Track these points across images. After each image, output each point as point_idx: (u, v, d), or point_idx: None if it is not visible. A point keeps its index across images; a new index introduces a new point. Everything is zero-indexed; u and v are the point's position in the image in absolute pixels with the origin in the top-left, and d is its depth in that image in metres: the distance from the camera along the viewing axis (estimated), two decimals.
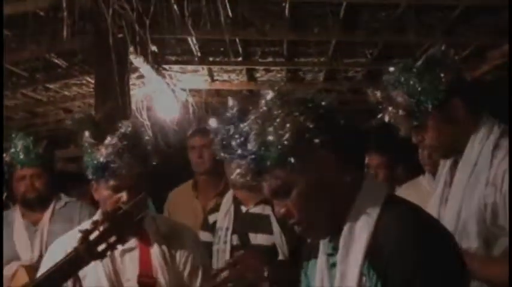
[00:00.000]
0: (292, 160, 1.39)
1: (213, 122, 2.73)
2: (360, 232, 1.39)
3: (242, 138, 1.48)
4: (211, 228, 2.82)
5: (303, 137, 1.40)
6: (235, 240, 2.72)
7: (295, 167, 1.40)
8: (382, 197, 1.43)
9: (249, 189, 2.74)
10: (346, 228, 1.42)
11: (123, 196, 2.14)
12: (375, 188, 1.49)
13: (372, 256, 1.35)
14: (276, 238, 2.63)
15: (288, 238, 2.63)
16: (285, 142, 1.38)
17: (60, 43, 4.38)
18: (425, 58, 2.06)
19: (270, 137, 1.39)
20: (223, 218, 2.79)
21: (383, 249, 1.33)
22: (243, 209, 2.78)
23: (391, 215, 1.38)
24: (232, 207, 2.80)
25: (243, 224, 2.74)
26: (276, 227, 2.67)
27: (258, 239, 2.68)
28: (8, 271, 2.99)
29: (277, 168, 1.42)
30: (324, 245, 1.55)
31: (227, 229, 2.75)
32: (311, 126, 1.40)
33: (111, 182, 2.16)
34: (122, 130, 2.22)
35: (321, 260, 1.54)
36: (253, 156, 1.43)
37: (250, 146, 1.42)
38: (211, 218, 2.87)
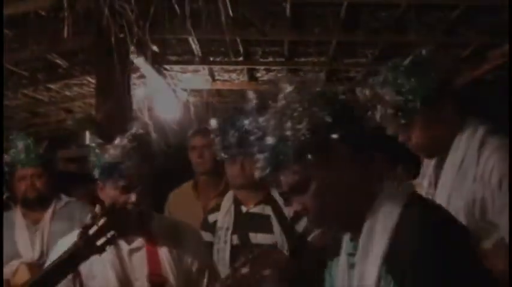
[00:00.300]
0: (310, 155, 1.36)
1: (213, 122, 2.74)
2: (379, 233, 1.35)
3: (260, 132, 1.43)
4: (212, 228, 2.83)
5: (321, 132, 1.36)
6: (236, 240, 2.73)
7: (313, 163, 1.36)
8: (405, 197, 1.38)
9: (249, 189, 2.75)
10: (365, 228, 1.38)
11: (132, 196, 2.14)
12: (397, 187, 1.44)
13: (391, 258, 1.31)
14: (276, 237, 2.64)
15: (288, 238, 2.63)
16: (302, 137, 1.35)
17: (61, 43, 4.39)
18: (414, 57, 2.08)
19: (288, 132, 1.35)
20: (224, 218, 2.79)
21: (402, 252, 1.29)
22: (243, 209, 2.79)
23: (413, 216, 1.33)
24: (232, 207, 2.81)
25: (243, 224, 2.75)
26: (276, 226, 2.68)
27: (258, 238, 2.69)
28: (9, 268, 3.00)
29: (295, 163, 1.38)
30: (346, 245, 1.51)
31: (227, 228, 2.75)
32: (330, 121, 1.36)
33: (120, 183, 2.14)
34: (132, 131, 2.22)
35: (343, 260, 1.51)
36: (270, 150, 1.39)
37: (268, 140, 1.39)
38: (211, 218, 2.88)
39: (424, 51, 2.09)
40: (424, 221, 1.31)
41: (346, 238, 1.51)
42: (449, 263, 1.25)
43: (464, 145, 2.06)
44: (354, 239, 1.44)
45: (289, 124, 1.36)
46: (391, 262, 1.31)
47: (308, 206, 1.42)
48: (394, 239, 1.32)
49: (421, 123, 2.08)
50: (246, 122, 2.45)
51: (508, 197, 1.92)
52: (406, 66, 2.06)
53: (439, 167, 2.17)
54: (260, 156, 1.42)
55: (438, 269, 1.24)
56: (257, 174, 1.44)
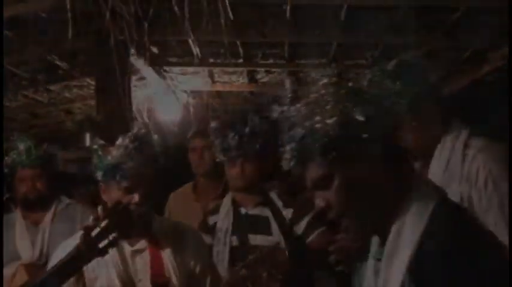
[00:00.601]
0: (336, 151, 1.30)
1: (213, 124, 2.74)
2: (407, 238, 1.29)
3: (290, 122, 1.40)
4: (211, 230, 2.83)
5: (351, 129, 1.31)
6: (235, 241, 2.73)
7: (338, 159, 1.31)
8: (434, 200, 1.32)
9: (248, 191, 2.75)
10: (392, 232, 1.32)
11: (135, 197, 2.14)
12: (427, 191, 1.36)
13: (416, 266, 1.26)
14: (275, 239, 2.64)
15: (286, 239, 2.64)
16: (331, 132, 1.30)
17: (61, 44, 4.40)
18: (399, 61, 2.10)
19: (317, 125, 1.31)
20: (223, 219, 2.80)
21: (428, 260, 1.24)
22: (242, 210, 2.79)
23: (442, 222, 1.27)
24: (231, 209, 2.81)
25: (243, 225, 2.75)
26: (275, 228, 2.68)
27: (257, 240, 2.69)
28: (8, 270, 3.00)
29: (320, 157, 1.32)
30: (373, 250, 1.45)
31: (227, 230, 2.76)
32: (361, 119, 1.31)
33: (123, 184, 2.14)
34: (133, 131, 2.23)
35: (370, 265, 1.46)
36: (297, 142, 1.34)
37: (297, 131, 1.34)
38: (211, 220, 2.88)
39: (410, 55, 2.12)
40: (454, 228, 1.26)
41: (374, 241, 1.45)
42: (478, 273, 1.20)
43: (449, 147, 2.10)
44: (382, 243, 1.38)
45: (319, 117, 1.31)
46: (416, 270, 1.25)
47: (331, 203, 1.36)
48: (421, 245, 1.26)
49: (406, 127, 2.09)
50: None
51: (508, 197, 1.95)
52: (392, 69, 2.08)
53: (422, 172, 2.20)
54: (287, 147, 1.38)
55: (466, 280, 1.19)
56: (283, 166, 1.40)
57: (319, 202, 1.38)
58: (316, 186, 1.38)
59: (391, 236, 1.32)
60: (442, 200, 1.35)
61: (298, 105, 1.38)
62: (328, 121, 1.30)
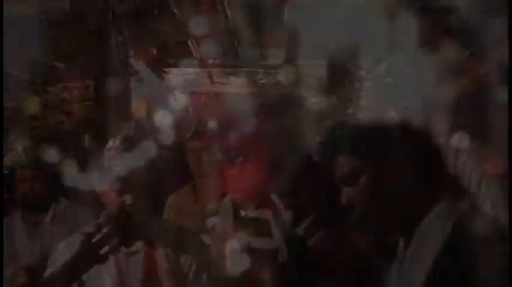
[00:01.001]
0: (366, 147, 1.28)
1: (212, 125, 2.74)
2: (431, 242, 1.25)
3: (322, 114, 1.37)
4: (210, 232, 2.82)
5: (383, 126, 1.29)
6: (235, 244, 2.72)
7: (368, 156, 1.29)
8: (462, 205, 1.28)
9: (248, 193, 2.74)
10: (417, 234, 1.29)
11: (128, 198, 2.14)
12: (455, 193, 1.32)
13: (439, 273, 1.22)
14: (275, 241, 2.64)
15: (287, 242, 2.63)
16: (362, 127, 1.30)
17: (61, 45, 4.40)
18: (389, 64, 2.13)
19: (349, 118, 1.30)
20: (222, 221, 2.79)
21: (451, 267, 1.21)
22: (242, 213, 2.78)
23: (465, 228, 1.23)
24: (231, 211, 2.80)
25: (242, 228, 2.74)
26: (275, 230, 2.67)
27: (257, 242, 2.68)
28: (7, 271, 3.00)
29: (350, 153, 1.30)
30: (399, 251, 1.41)
31: (226, 232, 2.75)
32: (396, 118, 1.29)
33: (115, 185, 2.16)
34: (124, 133, 2.24)
35: (395, 268, 1.41)
36: (327, 135, 1.33)
37: (327, 123, 1.33)
38: (210, 222, 2.87)
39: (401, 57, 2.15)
40: (477, 236, 1.22)
41: (401, 243, 1.41)
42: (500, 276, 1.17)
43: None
44: (406, 246, 1.35)
45: (351, 110, 1.31)
46: (440, 272, 1.22)
47: (355, 200, 1.33)
48: (446, 247, 1.23)
49: None
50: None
51: (508, 196, 1.96)
52: (382, 72, 2.12)
53: None
54: (317, 139, 1.36)
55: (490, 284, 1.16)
56: (314, 158, 1.39)
57: (343, 198, 1.35)
58: (343, 181, 1.35)
59: (415, 239, 1.29)
60: (470, 202, 1.32)
61: (331, 96, 1.37)
62: (361, 116, 1.29)
